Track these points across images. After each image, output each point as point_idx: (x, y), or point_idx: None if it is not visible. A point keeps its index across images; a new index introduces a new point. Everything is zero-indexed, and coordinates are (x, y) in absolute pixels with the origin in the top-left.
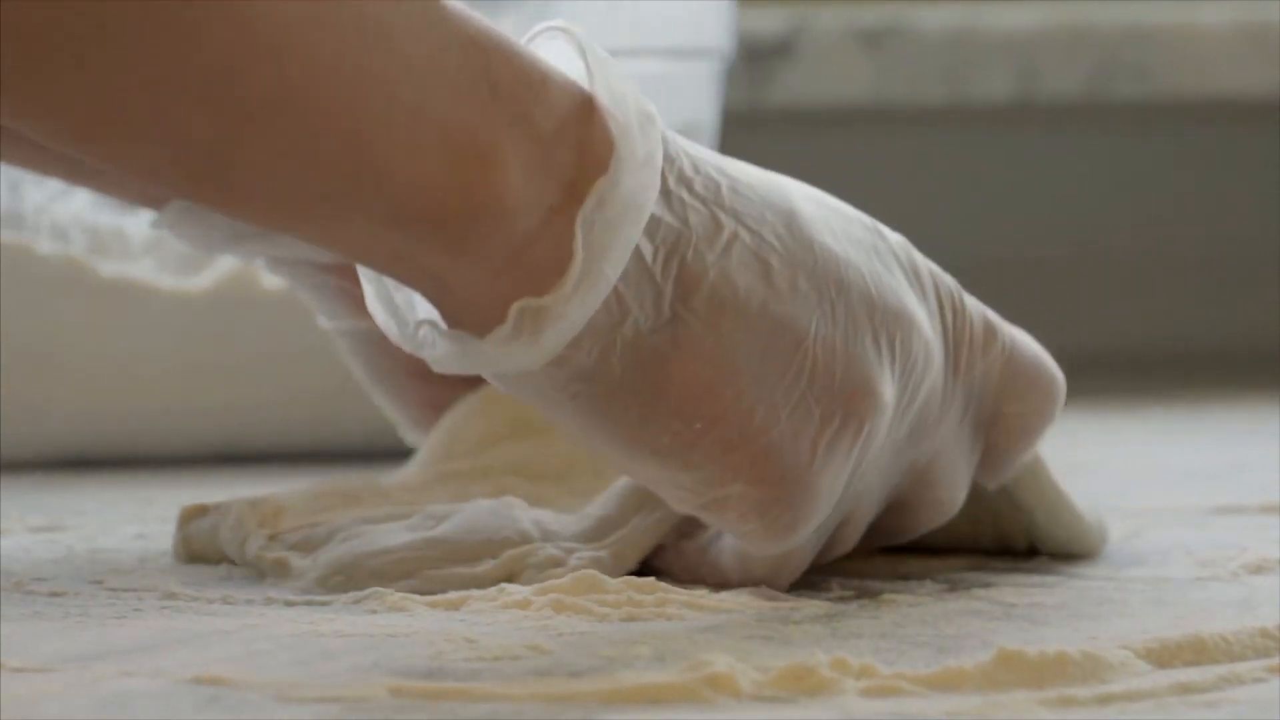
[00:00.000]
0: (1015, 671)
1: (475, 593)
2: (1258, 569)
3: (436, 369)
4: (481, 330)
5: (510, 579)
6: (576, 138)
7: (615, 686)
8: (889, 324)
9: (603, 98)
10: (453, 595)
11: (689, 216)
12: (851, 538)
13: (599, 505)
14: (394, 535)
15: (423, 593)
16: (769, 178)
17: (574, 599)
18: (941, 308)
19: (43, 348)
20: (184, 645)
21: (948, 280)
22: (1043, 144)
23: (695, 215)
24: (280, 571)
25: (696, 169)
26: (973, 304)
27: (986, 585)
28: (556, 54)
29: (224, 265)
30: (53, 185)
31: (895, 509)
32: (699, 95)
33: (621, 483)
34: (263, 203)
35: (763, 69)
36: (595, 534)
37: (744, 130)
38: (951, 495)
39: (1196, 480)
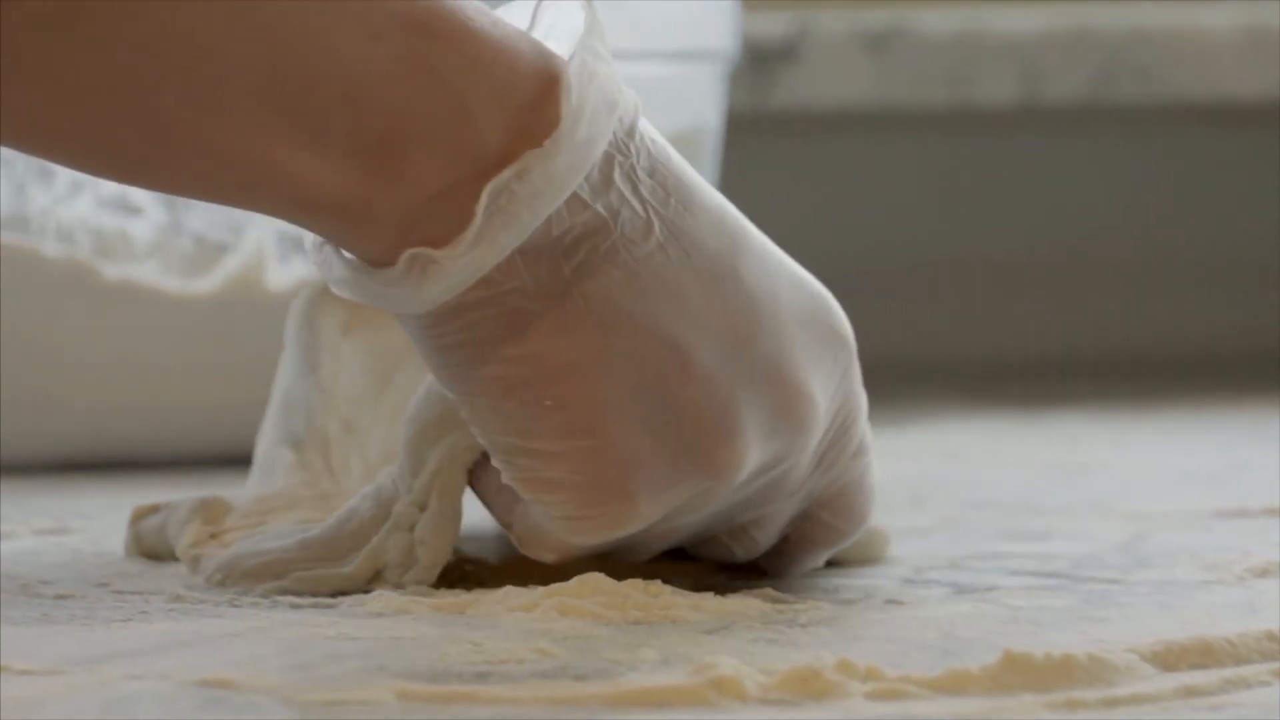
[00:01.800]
0: (1021, 674)
1: (481, 594)
2: (1263, 572)
3: (333, 289)
4: (377, 265)
5: (376, 577)
6: (518, 118)
7: (621, 689)
8: (784, 396)
9: (571, 75)
10: (461, 598)
11: (621, 211)
12: (645, 553)
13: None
14: (276, 538)
15: (295, 593)
16: (736, 220)
17: (579, 602)
18: (840, 410)
19: (48, 350)
20: (190, 648)
21: (862, 397)
22: (1046, 147)
23: (628, 213)
24: (192, 567)
25: (653, 174)
26: (865, 422)
27: (992, 588)
28: (563, 19)
29: (229, 268)
30: (59, 187)
31: (700, 541)
32: (703, 98)
33: (414, 405)
34: (184, 190)
35: (766, 72)
36: (411, 464)
37: (747, 133)
38: (758, 548)
39: (1199, 483)
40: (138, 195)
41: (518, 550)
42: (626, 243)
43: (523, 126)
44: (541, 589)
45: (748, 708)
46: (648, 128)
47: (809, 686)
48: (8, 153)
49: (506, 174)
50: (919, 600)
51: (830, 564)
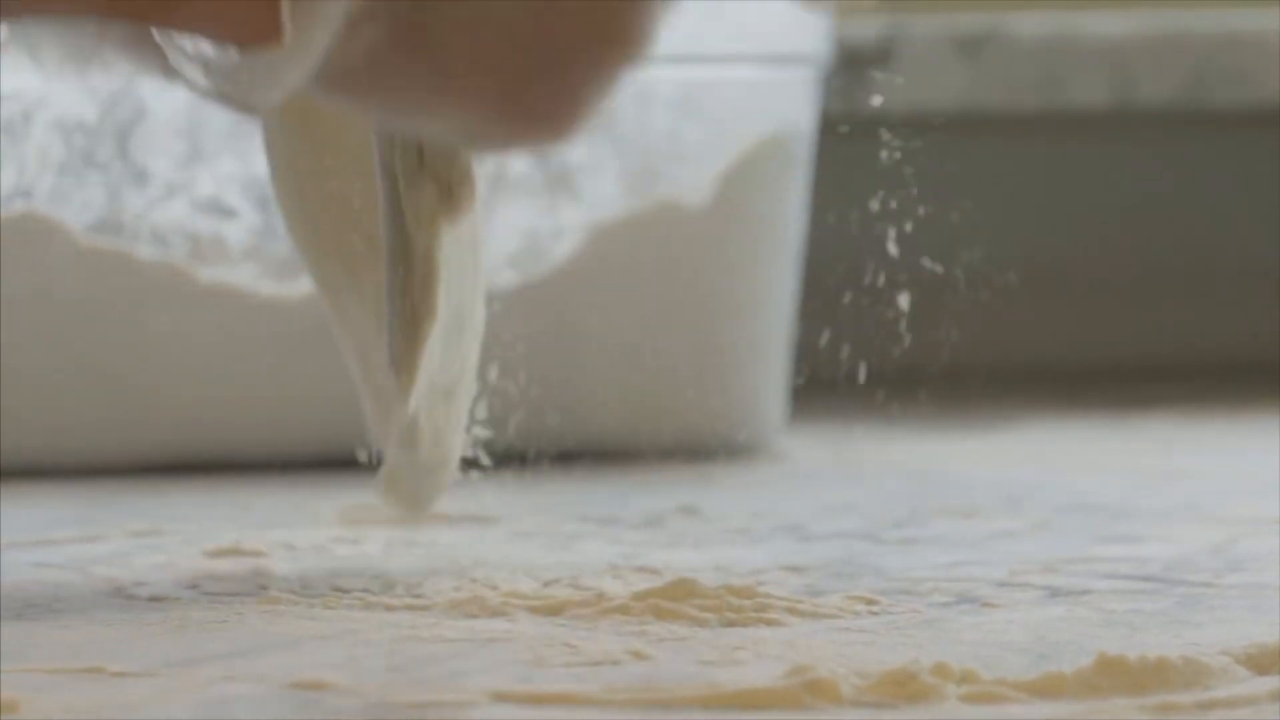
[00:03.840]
0: (1116, 678)
1: (575, 596)
2: None
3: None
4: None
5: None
6: None
7: (716, 691)
8: None
9: None
10: (556, 599)
11: None
12: None
13: None
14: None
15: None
16: None
17: (674, 604)
18: None
19: (142, 353)
20: (284, 650)
21: None
22: (1139, 151)
23: None
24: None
25: None
26: None
27: (1086, 591)
28: None
29: None
30: (152, 191)
31: None
32: (797, 102)
33: None
34: None
35: (859, 76)
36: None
37: (840, 137)
38: None
39: None
40: (232, 198)
41: None
42: None
43: None
44: (636, 591)
45: (843, 710)
46: None
47: (905, 689)
48: (102, 157)
49: None
50: (1013, 603)
51: None
